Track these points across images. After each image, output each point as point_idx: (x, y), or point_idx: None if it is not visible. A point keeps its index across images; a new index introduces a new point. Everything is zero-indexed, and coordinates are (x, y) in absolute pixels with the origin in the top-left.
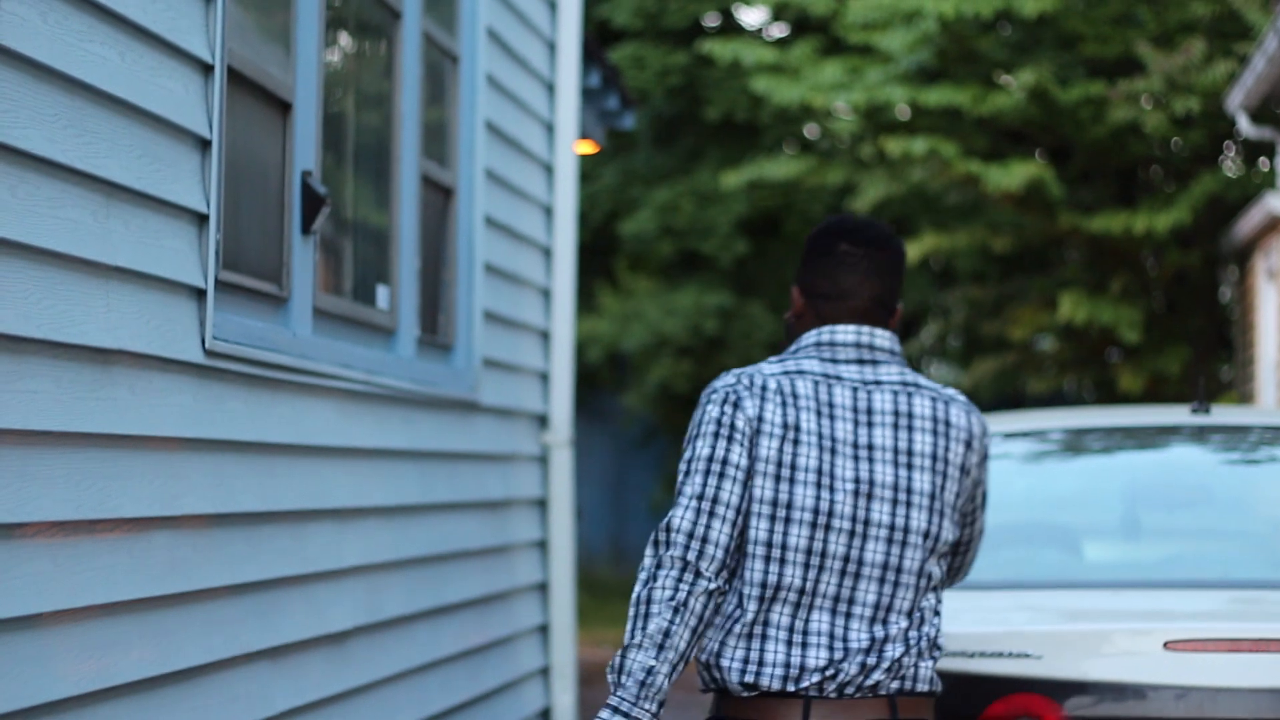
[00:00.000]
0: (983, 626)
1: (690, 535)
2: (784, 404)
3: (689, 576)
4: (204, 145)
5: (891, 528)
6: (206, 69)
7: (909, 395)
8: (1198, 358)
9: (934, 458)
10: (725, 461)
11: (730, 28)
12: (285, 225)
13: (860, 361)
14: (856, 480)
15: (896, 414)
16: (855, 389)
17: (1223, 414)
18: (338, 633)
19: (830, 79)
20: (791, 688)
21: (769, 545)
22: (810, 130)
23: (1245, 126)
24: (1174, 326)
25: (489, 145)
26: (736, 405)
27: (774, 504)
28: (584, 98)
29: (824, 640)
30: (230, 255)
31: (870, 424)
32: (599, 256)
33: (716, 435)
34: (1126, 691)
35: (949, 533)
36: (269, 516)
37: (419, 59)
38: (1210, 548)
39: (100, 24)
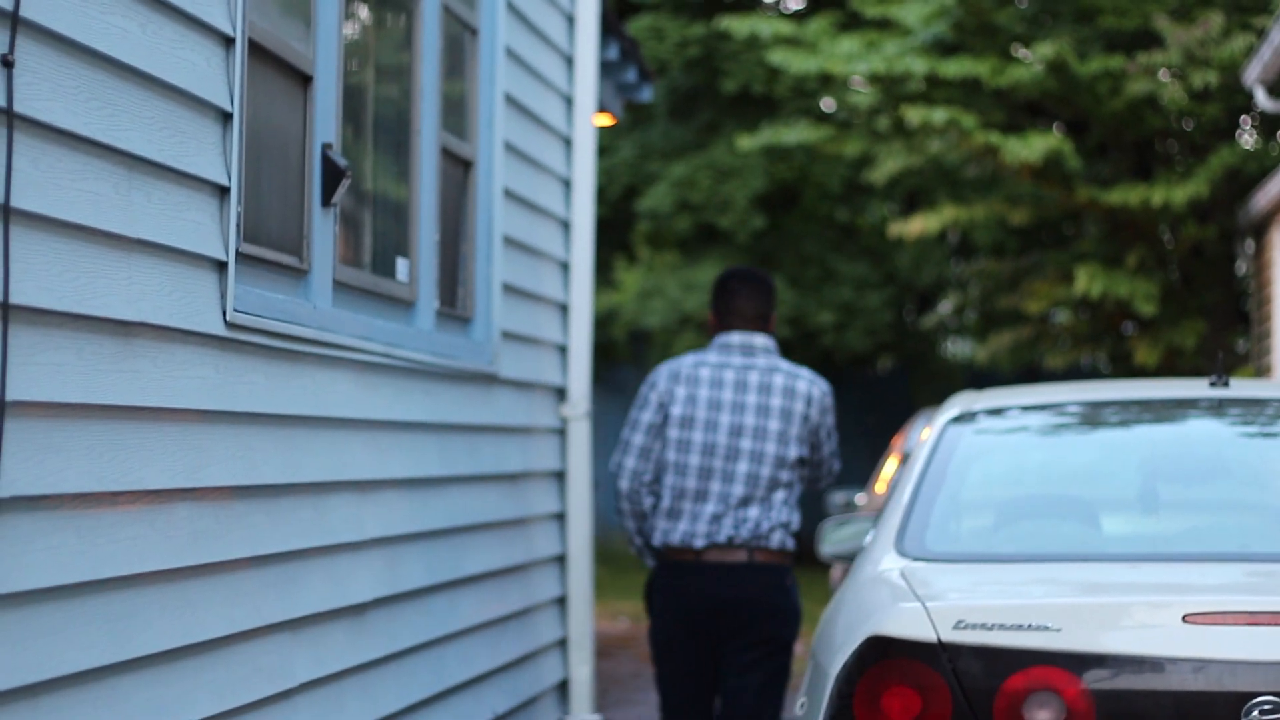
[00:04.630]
0: (1001, 599)
1: (620, 466)
2: (688, 382)
3: (626, 491)
4: (225, 118)
5: (752, 453)
6: (228, 41)
7: (770, 373)
8: (1213, 331)
9: (781, 410)
10: (640, 421)
11: (747, 2)
12: (306, 198)
13: (744, 354)
14: (731, 425)
15: (760, 385)
16: (737, 371)
17: (1241, 387)
18: (358, 604)
19: (847, 52)
20: (688, 545)
21: (676, 465)
22: (827, 104)
23: (1262, 100)
24: (1190, 300)
25: (508, 118)
26: (654, 386)
27: (679, 441)
28: (602, 71)
29: (707, 518)
30: (251, 228)
31: (745, 391)
32: (617, 230)
33: (641, 407)
34: (1145, 664)
35: (792, 454)
36: (290, 488)
37: (439, 32)
38: (1229, 521)
39: None
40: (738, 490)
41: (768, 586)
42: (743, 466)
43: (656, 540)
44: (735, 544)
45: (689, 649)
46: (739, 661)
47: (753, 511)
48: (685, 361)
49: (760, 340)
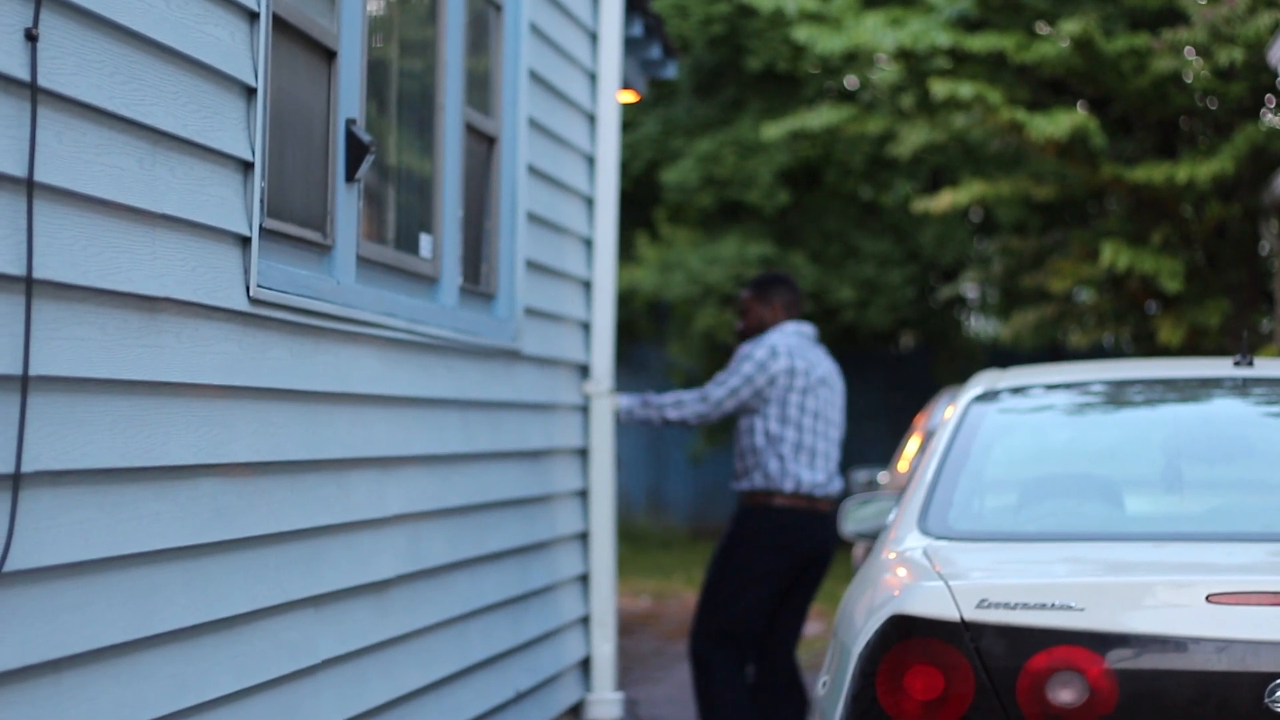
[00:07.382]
0: (1024, 578)
1: (719, 404)
2: (800, 356)
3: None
4: (249, 93)
5: (832, 421)
6: (252, 16)
7: (826, 359)
8: (1237, 310)
9: (840, 389)
10: (755, 382)
11: None
12: (329, 173)
13: (813, 341)
14: (825, 398)
15: (828, 369)
16: (817, 355)
17: (1266, 366)
18: (380, 581)
19: (872, 28)
20: (809, 493)
21: (797, 423)
22: (851, 82)
23: None
24: (1214, 279)
25: (532, 94)
26: (775, 356)
27: (799, 405)
28: (626, 47)
29: (817, 470)
30: (275, 203)
31: (821, 370)
32: (639, 206)
33: (761, 369)
34: (1168, 644)
35: (842, 421)
36: (313, 465)
37: (463, 7)
38: (1253, 500)
39: None
40: (827, 449)
41: (833, 533)
42: (834, 432)
43: (773, 486)
44: (829, 497)
45: (780, 581)
46: (802, 598)
47: (830, 465)
48: (793, 341)
49: (810, 328)
